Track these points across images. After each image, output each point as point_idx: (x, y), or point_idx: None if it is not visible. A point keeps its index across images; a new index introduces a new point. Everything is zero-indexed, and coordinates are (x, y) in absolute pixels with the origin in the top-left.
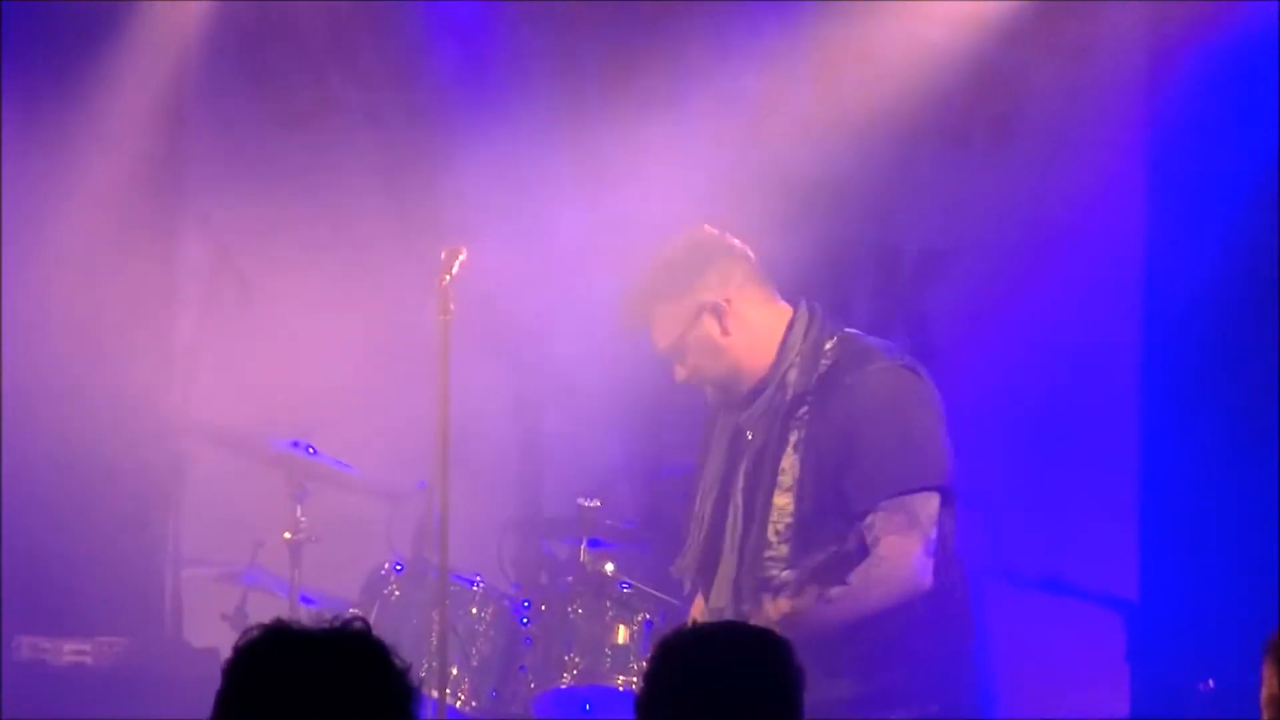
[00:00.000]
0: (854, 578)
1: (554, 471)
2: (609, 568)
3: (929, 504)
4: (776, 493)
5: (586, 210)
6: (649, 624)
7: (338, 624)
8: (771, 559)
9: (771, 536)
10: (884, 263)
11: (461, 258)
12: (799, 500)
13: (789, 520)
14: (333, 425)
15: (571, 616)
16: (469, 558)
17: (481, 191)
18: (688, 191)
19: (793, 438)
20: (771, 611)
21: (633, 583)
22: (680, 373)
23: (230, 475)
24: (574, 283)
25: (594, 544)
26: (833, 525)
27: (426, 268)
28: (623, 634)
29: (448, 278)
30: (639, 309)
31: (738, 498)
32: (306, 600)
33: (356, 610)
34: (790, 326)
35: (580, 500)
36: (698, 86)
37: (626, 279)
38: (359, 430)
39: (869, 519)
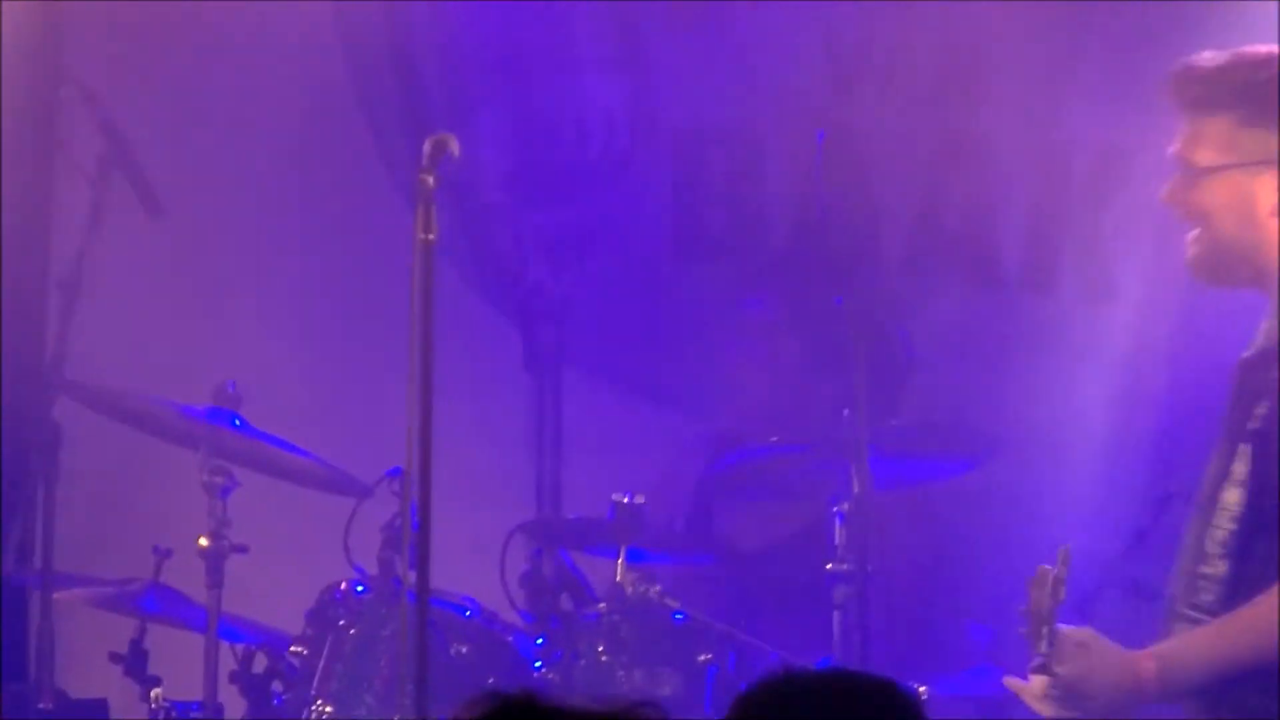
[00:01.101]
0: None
1: (578, 457)
2: (655, 591)
3: None
4: (1226, 484)
5: (625, 91)
6: (713, 670)
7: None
8: (1205, 579)
9: (1210, 546)
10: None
11: (451, 151)
12: (1253, 498)
13: (1232, 527)
14: (270, 391)
15: (604, 659)
16: (459, 575)
17: (481, 60)
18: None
19: (1262, 408)
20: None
21: (690, 612)
22: (1192, 249)
23: (124, 458)
24: (608, 191)
25: (635, 556)
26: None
27: (403, 170)
28: (675, 681)
29: (431, 180)
30: (1190, 88)
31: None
32: (231, 635)
33: (299, 649)
34: None
35: (616, 496)
36: None
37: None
38: (306, 399)
39: None
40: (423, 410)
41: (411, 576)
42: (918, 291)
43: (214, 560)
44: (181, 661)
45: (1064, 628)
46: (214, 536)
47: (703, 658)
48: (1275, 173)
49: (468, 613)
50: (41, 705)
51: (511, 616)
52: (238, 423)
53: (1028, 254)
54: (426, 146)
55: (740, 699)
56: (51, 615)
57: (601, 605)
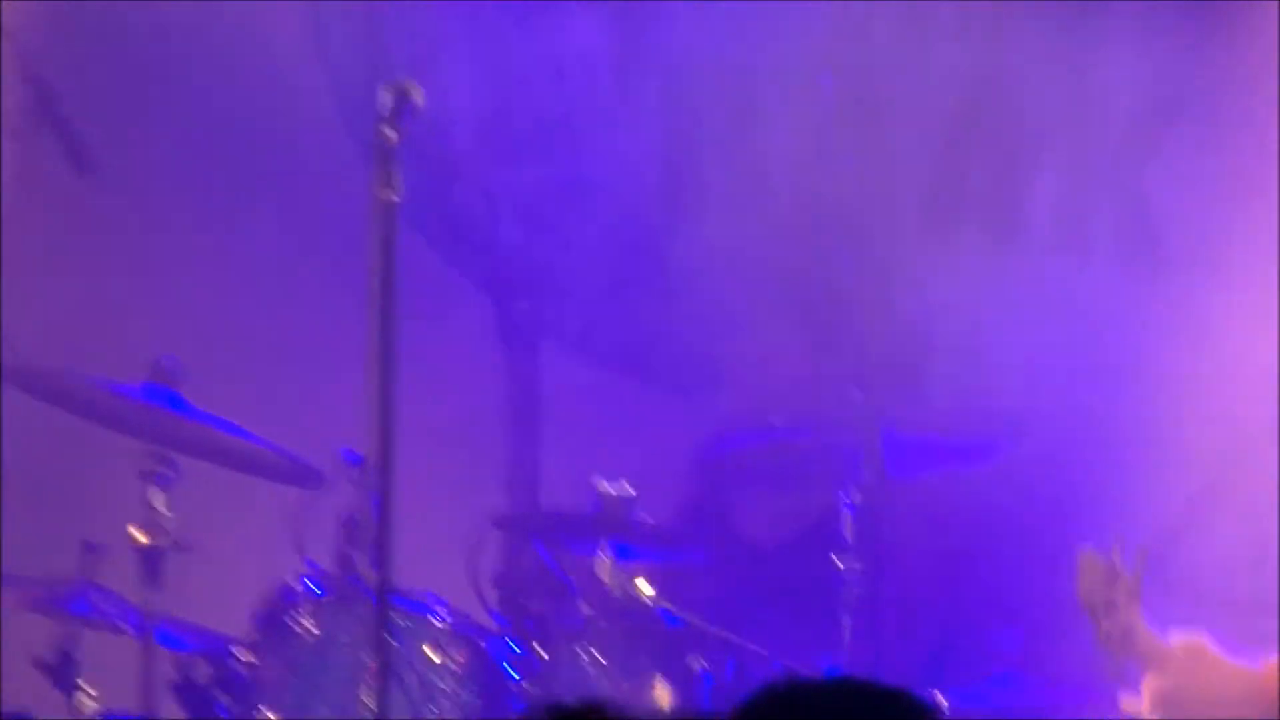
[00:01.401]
0: None
1: (557, 443)
2: (644, 588)
3: None
4: None
5: (609, 29)
6: (708, 679)
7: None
8: None
9: None
10: None
11: (415, 101)
12: None
13: None
14: (214, 369)
15: (586, 665)
16: (426, 573)
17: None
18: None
19: None
20: None
21: (683, 614)
22: None
23: (51, 442)
24: (590, 143)
25: (622, 552)
26: None
27: (361, 123)
28: (667, 692)
29: (392, 134)
30: None
31: None
32: (170, 641)
33: (247, 654)
34: None
35: (599, 484)
36: None
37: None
38: (254, 377)
39: None
40: (384, 390)
41: (373, 575)
42: (936, 256)
43: (152, 558)
44: (116, 669)
45: (1172, 635)
46: (152, 531)
47: (698, 665)
48: None
49: (436, 615)
50: None
51: (484, 619)
52: (177, 403)
53: (1059, 213)
54: (386, 96)
55: (738, 711)
56: None
57: (584, 607)
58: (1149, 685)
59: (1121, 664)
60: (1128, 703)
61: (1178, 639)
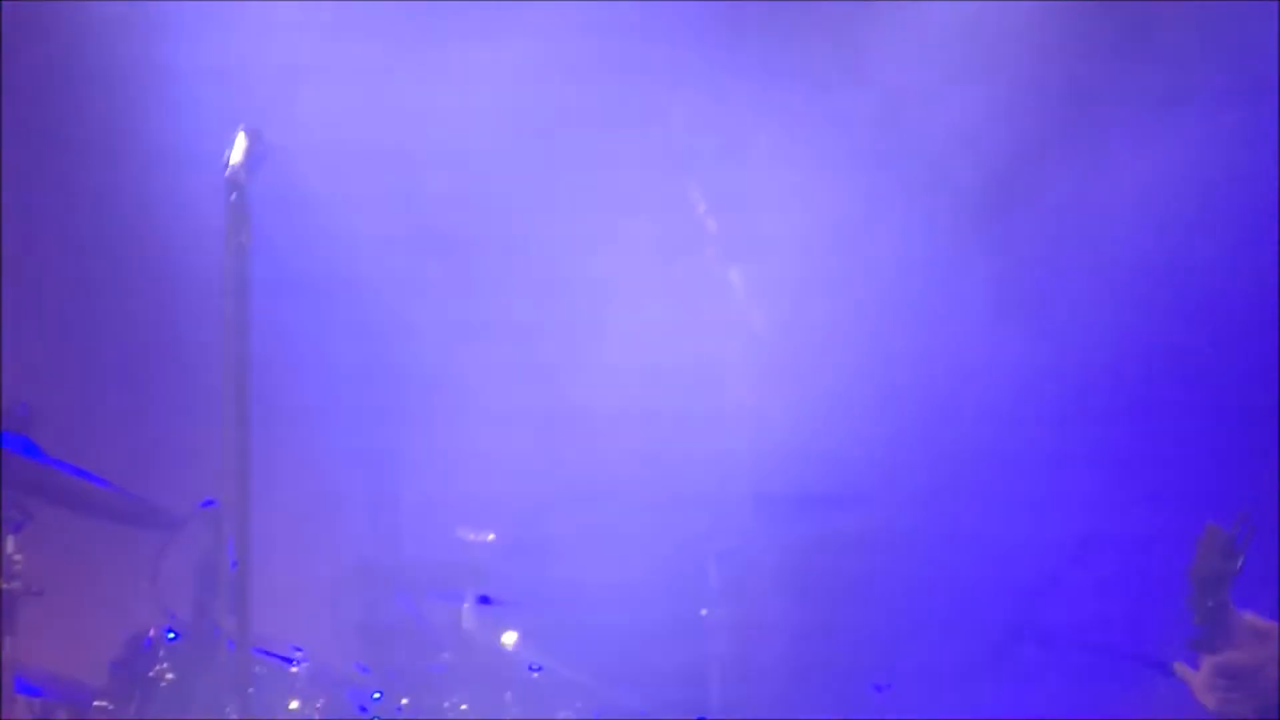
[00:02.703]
0: None
1: (422, 487)
2: (509, 639)
3: None
4: None
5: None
6: None
7: None
8: None
9: None
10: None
11: (260, 143)
12: None
13: None
14: (68, 415)
15: (448, 712)
16: (286, 621)
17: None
18: None
19: None
20: None
21: (548, 663)
22: None
23: None
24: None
25: (485, 601)
26: None
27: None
28: None
29: (240, 174)
30: None
31: None
32: (26, 688)
33: (103, 703)
34: None
35: (462, 532)
36: None
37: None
38: (110, 423)
39: None
40: (240, 435)
41: (231, 622)
42: None
43: (5, 604)
44: None
45: (1245, 613)
46: (4, 578)
47: (563, 714)
48: None
49: (295, 662)
50: None
51: (345, 666)
52: (31, 449)
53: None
54: (236, 134)
55: None
56: None
57: (446, 655)
58: (1214, 658)
59: (1207, 641)
60: (1183, 670)
61: (1247, 617)
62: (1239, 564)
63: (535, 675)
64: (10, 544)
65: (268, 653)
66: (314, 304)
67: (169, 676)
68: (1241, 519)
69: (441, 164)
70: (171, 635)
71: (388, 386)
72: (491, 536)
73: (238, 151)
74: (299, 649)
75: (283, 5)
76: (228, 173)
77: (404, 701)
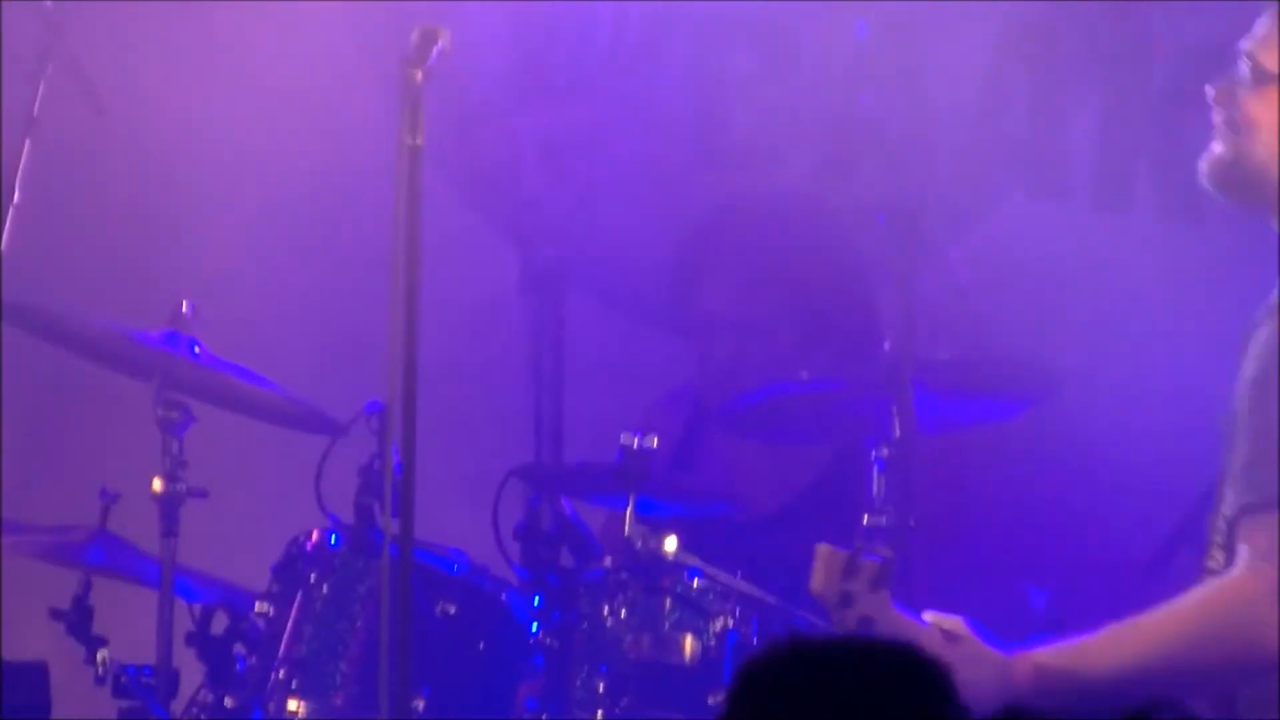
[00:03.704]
0: (1185, 602)
1: (583, 392)
2: (670, 545)
3: None
4: (1227, 474)
5: None
6: (732, 636)
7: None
8: (1209, 573)
9: (1213, 536)
10: None
11: (441, 44)
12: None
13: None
14: (233, 318)
15: (609, 623)
16: (446, 525)
17: None
18: None
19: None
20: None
21: (709, 569)
22: (1217, 150)
23: (67, 391)
24: (619, 89)
25: (645, 506)
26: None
27: (383, 67)
28: (690, 648)
29: (418, 77)
30: None
31: None
32: (187, 590)
33: (264, 607)
34: None
35: (624, 437)
36: None
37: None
38: (273, 324)
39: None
40: (406, 337)
41: (393, 526)
42: (974, 205)
43: (168, 506)
44: (132, 620)
45: (932, 615)
46: (168, 479)
47: (721, 622)
48: None
49: (455, 567)
50: None
51: (505, 572)
52: (196, 350)
53: (1100, 164)
54: (413, 37)
55: (745, 667)
56: None
57: (607, 561)
58: None
59: None
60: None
61: (935, 620)
62: (868, 579)
63: (695, 583)
64: (174, 446)
65: (427, 556)
66: (483, 209)
67: (328, 581)
68: (861, 537)
69: None
70: (333, 539)
71: (550, 293)
72: (655, 442)
73: (414, 51)
74: (458, 553)
75: None
76: (404, 73)
77: (564, 606)
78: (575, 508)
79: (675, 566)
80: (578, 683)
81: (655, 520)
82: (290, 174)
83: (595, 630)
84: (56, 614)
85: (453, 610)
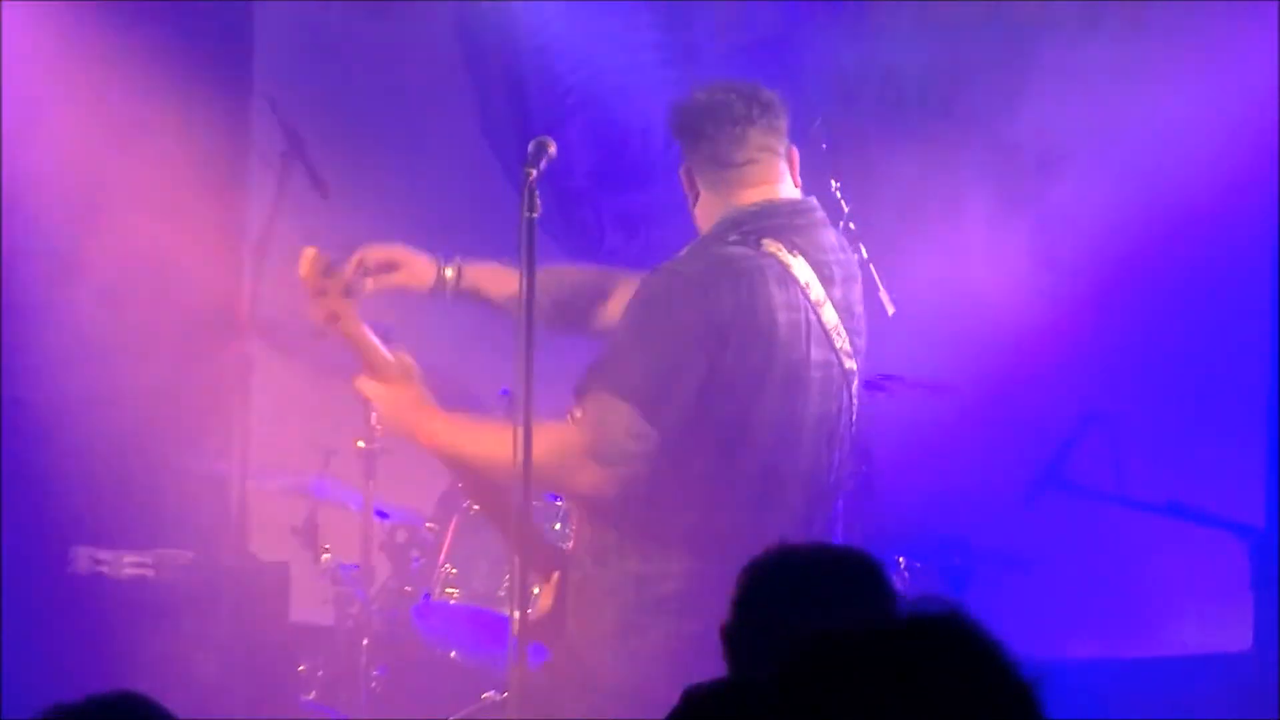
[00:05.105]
0: (541, 428)
1: None
2: None
3: (613, 410)
4: None
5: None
6: None
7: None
8: None
9: None
10: (1001, 162)
11: (549, 151)
12: None
13: None
14: (409, 324)
15: None
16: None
17: (567, 83)
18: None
19: None
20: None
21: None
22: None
23: (300, 380)
24: (669, 178)
25: None
26: None
27: (514, 166)
28: None
29: (533, 173)
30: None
31: None
32: (381, 515)
33: (432, 525)
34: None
35: None
36: None
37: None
38: (438, 330)
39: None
40: (527, 346)
41: (520, 473)
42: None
43: (367, 458)
44: (344, 534)
45: (398, 351)
46: (368, 440)
47: None
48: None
49: (560, 501)
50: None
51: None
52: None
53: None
54: (531, 146)
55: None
56: (247, 499)
57: None
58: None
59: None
60: (360, 382)
61: (399, 356)
62: (340, 284)
63: None
64: (372, 416)
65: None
66: (578, 258)
67: (475, 509)
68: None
69: None
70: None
71: None
72: None
73: (530, 155)
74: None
75: None
76: (523, 170)
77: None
78: None
79: None
80: None
81: None
82: (450, 243)
83: None
84: (294, 530)
85: (558, 528)
